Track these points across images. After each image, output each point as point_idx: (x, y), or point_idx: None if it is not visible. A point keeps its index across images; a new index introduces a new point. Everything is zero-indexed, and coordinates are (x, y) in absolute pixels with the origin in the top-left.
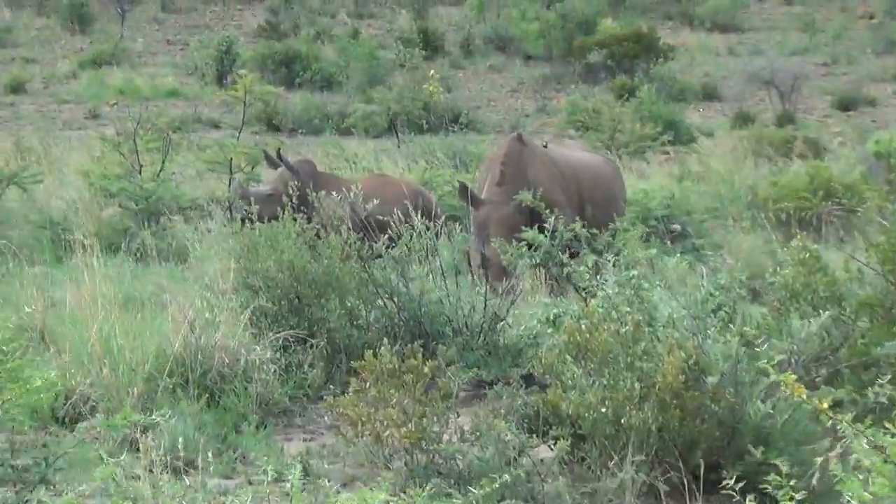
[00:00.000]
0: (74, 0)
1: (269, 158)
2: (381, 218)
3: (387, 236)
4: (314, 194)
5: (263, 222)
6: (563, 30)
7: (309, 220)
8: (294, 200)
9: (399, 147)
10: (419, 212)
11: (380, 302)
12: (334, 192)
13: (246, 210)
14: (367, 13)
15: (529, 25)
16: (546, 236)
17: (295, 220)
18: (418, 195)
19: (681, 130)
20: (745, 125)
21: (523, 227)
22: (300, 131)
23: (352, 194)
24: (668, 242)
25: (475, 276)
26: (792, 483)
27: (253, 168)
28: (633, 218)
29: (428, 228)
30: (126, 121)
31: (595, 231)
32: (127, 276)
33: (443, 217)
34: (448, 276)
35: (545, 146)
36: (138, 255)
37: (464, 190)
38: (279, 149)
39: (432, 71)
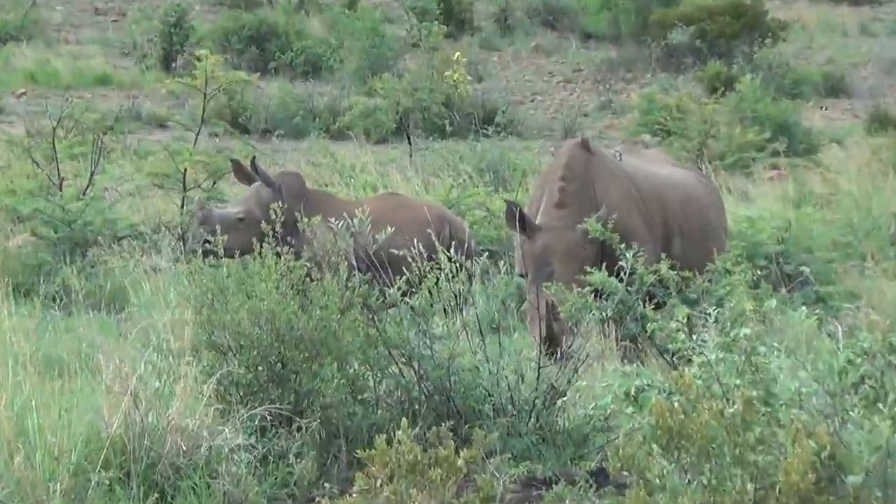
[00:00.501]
0: None
1: (240, 170)
2: (395, 253)
3: (403, 279)
4: (304, 220)
5: (232, 256)
6: None
7: (297, 256)
8: (276, 228)
9: (412, 156)
10: (447, 245)
11: (393, 369)
12: (331, 218)
13: (208, 241)
14: None
15: None
16: (620, 279)
17: (278, 255)
18: (445, 222)
19: (796, 136)
20: (885, 130)
21: (591, 266)
22: (276, 133)
23: (355, 220)
24: (785, 290)
25: (535, 333)
26: None
27: (215, 184)
28: (737, 256)
29: (459, 268)
30: (40, 117)
31: (687, 273)
32: (45, 330)
33: (480, 253)
34: (486, 333)
35: (618, 157)
36: (60, 300)
37: (513, 213)
38: (254, 157)
39: (457, 53)
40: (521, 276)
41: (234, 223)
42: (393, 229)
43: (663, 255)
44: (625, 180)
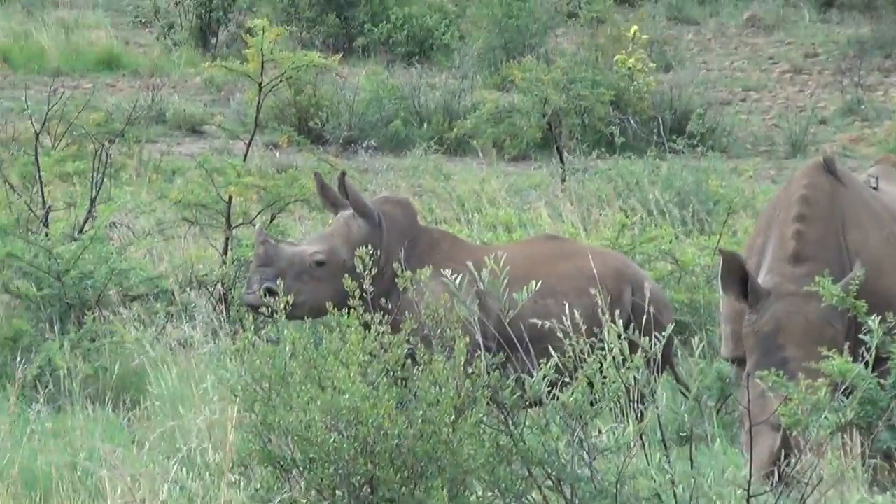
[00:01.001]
0: None
1: (326, 190)
2: (542, 324)
3: (552, 363)
4: (406, 272)
5: (302, 316)
6: None
7: (395, 327)
8: (366, 283)
9: (565, 181)
10: (628, 313)
11: (535, 495)
12: (450, 270)
13: (270, 290)
14: None
15: None
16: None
17: (367, 325)
18: (625, 280)
19: None
20: None
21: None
22: (365, 144)
23: (482, 275)
24: None
25: (759, 448)
26: None
27: (274, 219)
28: None
29: (638, 346)
30: (17, 116)
31: None
32: (22, 433)
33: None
34: (672, 444)
35: (874, 186)
36: (45, 389)
37: (734, 271)
38: (343, 172)
39: (634, 28)
40: (731, 360)
41: (311, 267)
42: (541, 287)
43: None
44: (887, 221)
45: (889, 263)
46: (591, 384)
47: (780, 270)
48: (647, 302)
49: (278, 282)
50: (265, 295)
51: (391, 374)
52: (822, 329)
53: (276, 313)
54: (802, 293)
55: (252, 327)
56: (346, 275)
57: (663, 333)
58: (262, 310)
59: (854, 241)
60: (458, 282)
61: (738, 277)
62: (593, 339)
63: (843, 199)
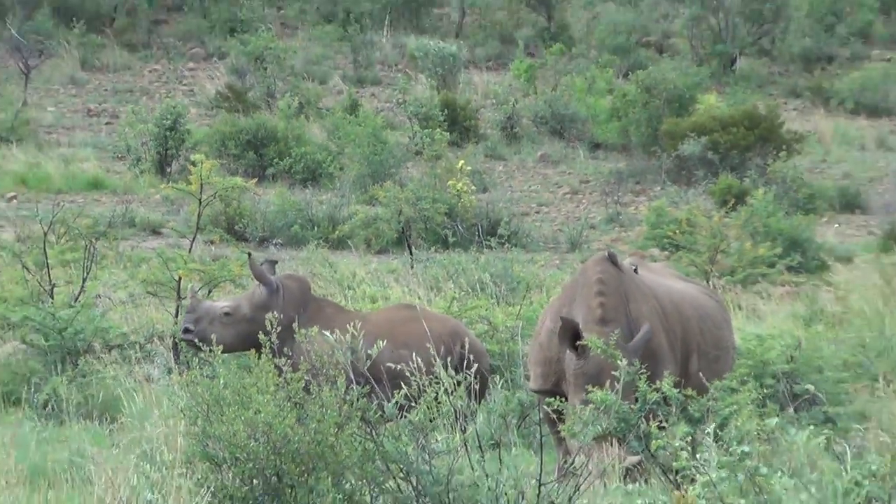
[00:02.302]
0: None
1: (253, 267)
2: (393, 367)
3: (402, 393)
4: (300, 331)
5: (204, 349)
6: (646, 108)
7: (294, 368)
8: (274, 333)
9: (413, 267)
10: (460, 361)
11: (391, 484)
12: (335, 329)
13: (188, 328)
14: (370, 78)
15: (599, 101)
16: (615, 396)
17: (277, 367)
18: (457, 338)
19: (809, 253)
20: None
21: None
22: (274, 242)
23: (355, 333)
24: (792, 410)
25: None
26: None
27: (210, 293)
28: (743, 374)
29: (459, 383)
30: (30, 222)
31: (690, 392)
32: (32, 441)
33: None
34: (486, 449)
35: (635, 271)
36: (49, 410)
37: (570, 330)
38: (249, 253)
39: (461, 162)
40: (538, 392)
41: (220, 316)
42: (393, 342)
43: (679, 376)
44: (650, 296)
45: (653, 326)
46: (429, 408)
47: (591, 330)
48: (468, 352)
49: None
50: (185, 332)
51: (292, 399)
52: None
53: (197, 346)
54: (612, 345)
55: (196, 367)
56: (251, 327)
57: (477, 374)
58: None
59: (634, 310)
60: (337, 337)
61: (572, 335)
62: (432, 376)
63: (624, 281)
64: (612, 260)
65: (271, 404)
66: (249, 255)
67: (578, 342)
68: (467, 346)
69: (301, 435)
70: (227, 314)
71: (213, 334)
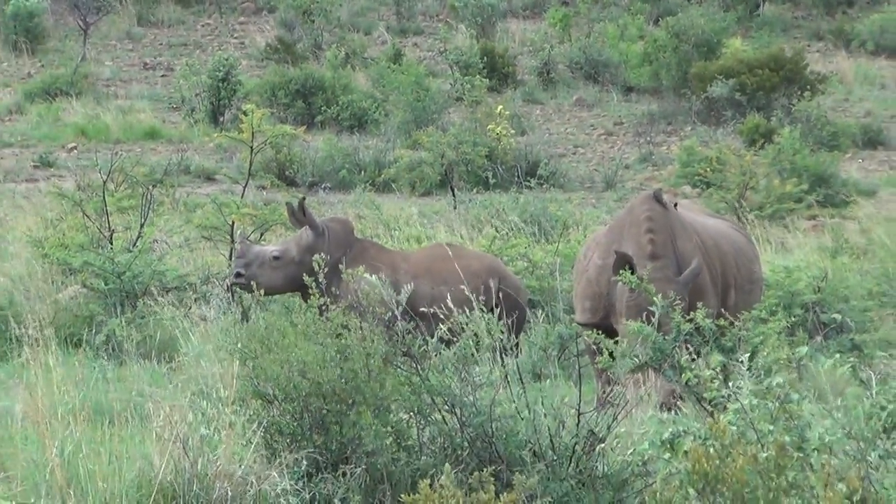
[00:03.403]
0: (20, 9)
1: (294, 214)
2: (438, 302)
3: (444, 327)
4: (346, 270)
5: (256, 292)
6: (675, 53)
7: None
8: (321, 273)
9: (456, 208)
10: (496, 295)
11: (437, 416)
12: (380, 271)
13: (239, 272)
14: (412, 28)
15: (630, 47)
16: (652, 328)
17: (323, 308)
18: (494, 274)
19: (834, 188)
20: None
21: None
22: (323, 186)
23: (400, 272)
24: (821, 338)
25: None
26: None
27: (262, 235)
28: (773, 305)
29: (503, 316)
30: (90, 171)
31: (722, 323)
32: (94, 380)
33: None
34: (527, 381)
35: (675, 206)
36: (109, 351)
37: (625, 264)
38: (303, 198)
39: (500, 107)
40: (584, 324)
41: (269, 260)
42: (435, 279)
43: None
44: (693, 233)
45: (700, 262)
46: (474, 343)
47: (643, 265)
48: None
49: (246, 269)
50: (236, 276)
51: (332, 336)
52: (680, 300)
53: (248, 289)
54: (664, 278)
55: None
56: (299, 270)
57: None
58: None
59: (681, 247)
60: (382, 277)
61: (627, 268)
62: (471, 311)
63: (671, 218)
64: (657, 198)
65: (307, 343)
66: (304, 198)
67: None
68: (504, 282)
69: (337, 372)
70: (276, 258)
71: (262, 277)
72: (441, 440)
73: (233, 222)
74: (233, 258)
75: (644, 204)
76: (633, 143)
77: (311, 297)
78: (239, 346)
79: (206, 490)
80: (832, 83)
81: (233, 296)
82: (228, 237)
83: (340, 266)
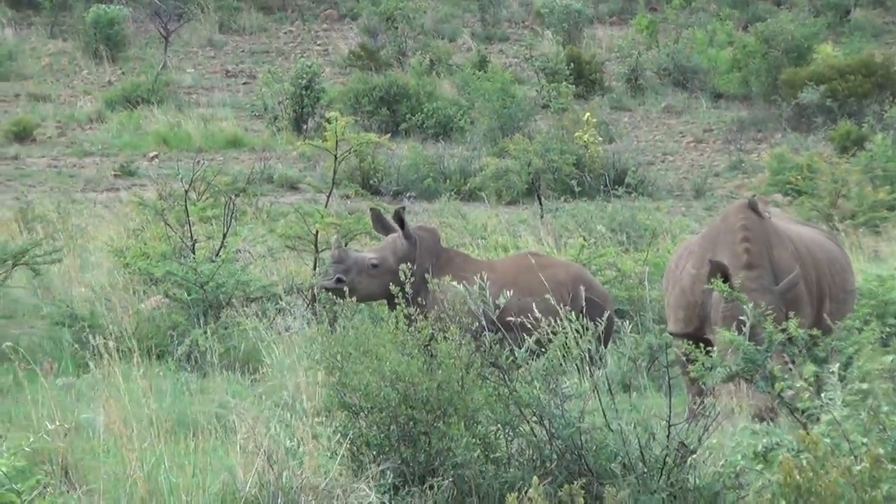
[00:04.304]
0: (100, 17)
1: (379, 219)
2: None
3: (532, 339)
4: (433, 280)
5: (359, 301)
6: (765, 59)
7: (427, 316)
8: (409, 282)
9: (542, 217)
10: (582, 305)
11: (525, 427)
12: (464, 278)
13: (340, 278)
14: (498, 35)
15: (719, 53)
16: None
17: (408, 317)
18: (580, 283)
19: None
20: None
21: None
22: (408, 195)
23: (485, 281)
24: None
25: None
26: None
27: (346, 245)
28: (866, 315)
29: (586, 328)
30: (172, 180)
31: (815, 333)
32: (177, 392)
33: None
34: (616, 392)
35: (769, 217)
36: (192, 362)
37: (720, 273)
38: (402, 207)
39: (587, 114)
40: (678, 335)
41: (368, 268)
42: (521, 291)
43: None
44: (788, 242)
45: (794, 270)
46: (562, 353)
47: (739, 274)
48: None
49: (345, 275)
50: (338, 282)
51: (420, 346)
52: (776, 312)
53: (343, 296)
54: (760, 288)
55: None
56: (394, 278)
57: (604, 318)
58: (332, 294)
59: (776, 256)
60: (468, 287)
61: (721, 277)
62: (558, 322)
63: (766, 227)
64: (752, 207)
65: (397, 353)
66: (403, 208)
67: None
68: (591, 291)
69: (428, 382)
70: (374, 265)
71: (360, 285)
72: (529, 452)
73: (317, 232)
74: (329, 264)
75: (739, 212)
76: (723, 151)
77: (398, 306)
78: (326, 355)
79: (292, 503)
80: None
81: (314, 305)
82: (312, 246)
83: (427, 276)
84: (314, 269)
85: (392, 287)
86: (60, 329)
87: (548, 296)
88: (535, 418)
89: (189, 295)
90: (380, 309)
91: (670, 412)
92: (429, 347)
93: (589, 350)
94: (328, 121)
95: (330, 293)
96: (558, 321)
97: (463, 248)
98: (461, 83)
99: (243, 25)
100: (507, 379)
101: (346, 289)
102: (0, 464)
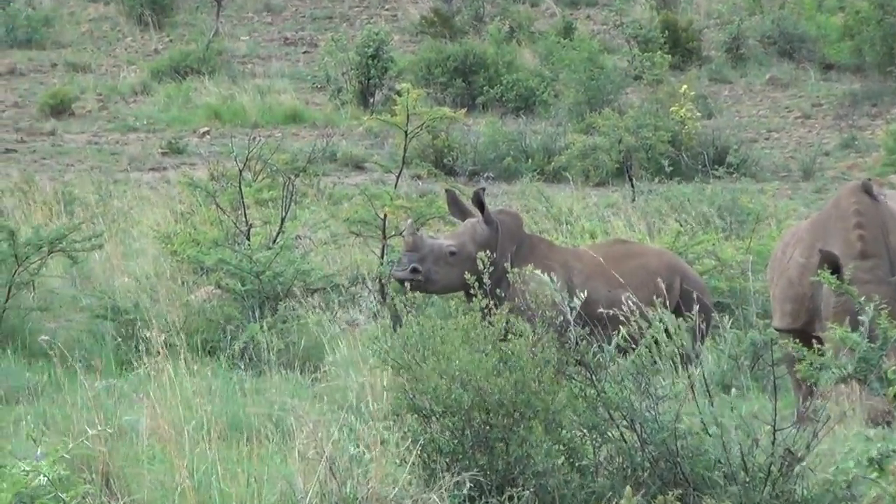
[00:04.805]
0: None
1: (455, 202)
2: (611, 306)
3: (621, 334)
4: (512, 270)
5: (437, 292)
6: (880, 26)
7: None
8: (488, 272)
9: (633, 200)
10: (677, 298)
11: (614, 432)
12: (548, 267)
13: (416, 268)
14: (585, 0)
15: (830, 19)
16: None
17: (486, 311)
18: (675, 272)
19: None
20: None
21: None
22: (485, 176)
23: (573, 271)
24: None
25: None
26: None
27: (418, 231)
28: None
29: (684, 322)
30: (225, 158)
31: None
32: (230, 392)
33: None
34: (715, 393)
35: (884, 200)
36: (247, 360)
37: (831, 261)
38: (482, 189)
39: (684, 86)
40: (785, 330)
41: (445, 256)
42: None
43: None
44: None
45: None
46: (652, 349)
47: (851, 264)
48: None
49: (421, 264)
50: (413, 272)
51: (496, 344)
52: (892, 304)
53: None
54: (875, 279)
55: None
56: (473, 267)
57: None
58: (406, 283)
59: (893, 244)
60: (553, 277)
61: (832, 268)
62: (651, 316)
63: (881, 212)
64: (866, 190)
65: (466, 350)
66: (483, 189)
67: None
68: (686, 281)
69: (503, 383)
70: (452, 253)
71: (438, 275)
72: (619, 460)
73: (385, 216)
74: (403, 252)
75: (852, 196)
76: (834, 127)
77: (475, 298)
78: (392, 354)
79: None
80: None
81: (384, 297)
82: (380, 232)
83: (506, 265)
84: (382, 257)
85: (468, 276)
86: (101, 322)
87: (644, 283)
88: (625, 422)
89: (243, 286)
90: (447, 302)
91: (775, 416)
92: (505, 343)
93: (684, 346)
94: (398, 93)
95: (404, 284)
96: (651, 314)
97: (546, 235)
98: (544, 52)
99: None
100: (593, 378)
101: (422, 279)
102: (43, 470)
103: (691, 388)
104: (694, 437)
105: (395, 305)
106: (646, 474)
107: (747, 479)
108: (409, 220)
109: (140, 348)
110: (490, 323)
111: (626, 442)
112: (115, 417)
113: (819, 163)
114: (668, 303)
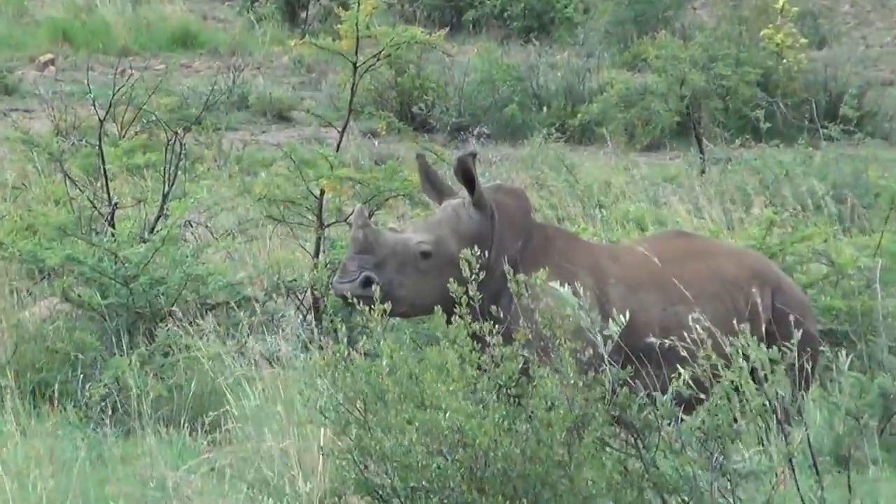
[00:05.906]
0: None
1: (429, 175)
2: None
3: (683, 377)
4: (518, 275)
5: (405, 314)
6: None
7: (506, 337)
8: (475, 284)
9: (703, 172)
10: (766, 318)
11: None
12: (576, 277)
13: (369, 278)
14: None
15: None
16: None
17: (476, 336)
18: (763, 282)
19: None
20: None
21: None
22: (476, 132)
23: (609, 280)
24: None
25: None
26: None
27: (372, 215)
28: None
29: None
30: (78, 102)
31: None
32: (83, 461)
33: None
34: (826, 469)
35: None
36: (109, 411)
37: None
38: (473, 153)
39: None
40: None
41: (415, 258)
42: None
43: None
44: None
45: None
46: (729, 400)
47: None
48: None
49: (378, 273)
50: (364, 284)
51: (503, 390)
52: None
53: (373, 307)
54: None
55: (346, 339)
56: (454, 273)
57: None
58: (356, 303)
59: None
60: (579, 287)
61: None
62: (730, 349)
63: None
64: None
65: (460, 398)
66: (474, 153)
67: None
68: (780, 296)
69: (512, 447)
70: (425, 254)
71: (406, 287)
72: None
73: (322, 192)
74: (350, 253)
75: None
76: None
77: (459, 320)
78: (339, 400)
79: None
80: None
81: (319, 319)
82: (315, 218)
83: (506, 269)
84: (317, 255)
85: (452, 285)
86: None
87: (719, 299)
88: None
89: (104, 298)
90: (418, 326)
91: None
92: (510, 393)
93: (780, 396)
94: (343, 5)
95: (350, 302)
96: (729, 347)
97: (568, 225)
98: None
99: None
100: (640, 445)
101: (378, 295)
102: None
103: (789, 461)
104: None
105: (336, 331)
106: None
107: None
108: (359, 205)
109: None
110: (493, 359)
111: None
112: None
113: None
114: (753, 326)
